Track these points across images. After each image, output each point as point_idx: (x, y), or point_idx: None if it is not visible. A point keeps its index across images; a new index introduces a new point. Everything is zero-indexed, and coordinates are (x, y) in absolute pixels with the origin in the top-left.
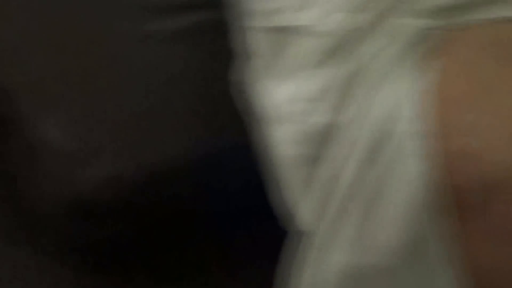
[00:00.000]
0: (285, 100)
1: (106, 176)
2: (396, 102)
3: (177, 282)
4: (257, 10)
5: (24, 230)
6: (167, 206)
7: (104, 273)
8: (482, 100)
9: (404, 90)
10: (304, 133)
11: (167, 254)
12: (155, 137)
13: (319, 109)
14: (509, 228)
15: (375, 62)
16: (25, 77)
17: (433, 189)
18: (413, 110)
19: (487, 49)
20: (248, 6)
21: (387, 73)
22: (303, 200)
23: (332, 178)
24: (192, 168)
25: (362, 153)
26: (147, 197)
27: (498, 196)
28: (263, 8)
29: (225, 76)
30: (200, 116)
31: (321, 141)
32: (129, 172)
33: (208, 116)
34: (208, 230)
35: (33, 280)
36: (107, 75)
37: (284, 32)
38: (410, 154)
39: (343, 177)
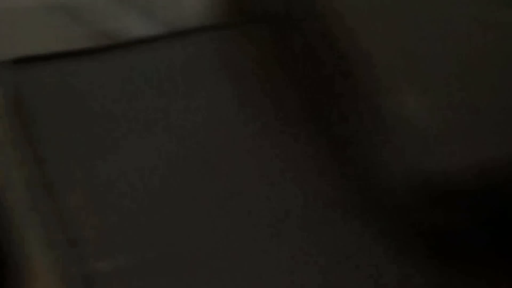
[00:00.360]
0: None
1: (465, 162)
2: None
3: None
4: None
5: (371, 209)
6: None
7: (446, 263)
8: None
9: None
10: None
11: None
12: None
13: None
14: None
15: None
16: (389, 51)
17: None
18: None
19: None
20: None
21: None
22: None
23: None
24: None
25: None
26: (507, 186)
27: None
28: None
29: None
30: None
31: None
32: (491, 159)
33: None
34: None
35: (375, 262)
36: (467, 60)
37: None
38: None
39: None
